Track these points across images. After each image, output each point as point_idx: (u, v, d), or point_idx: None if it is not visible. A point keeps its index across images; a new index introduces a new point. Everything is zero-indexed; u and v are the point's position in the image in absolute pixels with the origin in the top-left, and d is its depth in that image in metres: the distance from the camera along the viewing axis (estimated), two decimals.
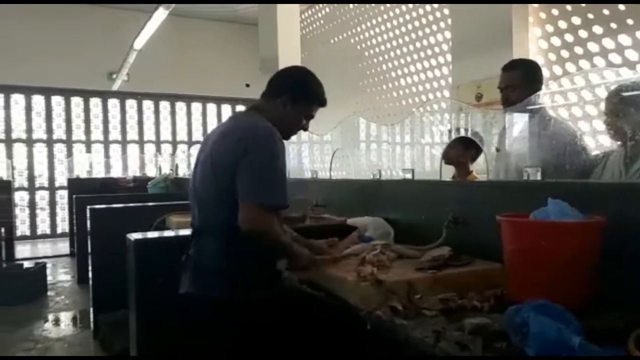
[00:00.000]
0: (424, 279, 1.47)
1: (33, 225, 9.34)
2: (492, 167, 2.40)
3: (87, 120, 9.74)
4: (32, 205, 9.32)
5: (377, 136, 4.61)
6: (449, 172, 3.04)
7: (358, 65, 7.51)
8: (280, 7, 6.59)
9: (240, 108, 11.16)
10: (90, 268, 3.94)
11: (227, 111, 11.16)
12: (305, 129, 1.88)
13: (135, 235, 1.99)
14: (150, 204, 4.44)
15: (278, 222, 1.68)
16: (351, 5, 7.71)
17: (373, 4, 7.19)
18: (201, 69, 10.08)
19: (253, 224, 1.56)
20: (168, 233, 2.29)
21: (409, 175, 2.21)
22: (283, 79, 1.85)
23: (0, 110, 8.98)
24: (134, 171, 9.68)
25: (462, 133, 3.03)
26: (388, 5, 6.88)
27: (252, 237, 1.56)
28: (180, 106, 10.68)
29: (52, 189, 9.52)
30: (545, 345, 0.87)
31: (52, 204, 9.53)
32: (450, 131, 3.38)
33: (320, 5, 8.53)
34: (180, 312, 1.67)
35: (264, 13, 6.91)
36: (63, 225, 9.48)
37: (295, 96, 1.78)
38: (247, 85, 10.66)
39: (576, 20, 4.24)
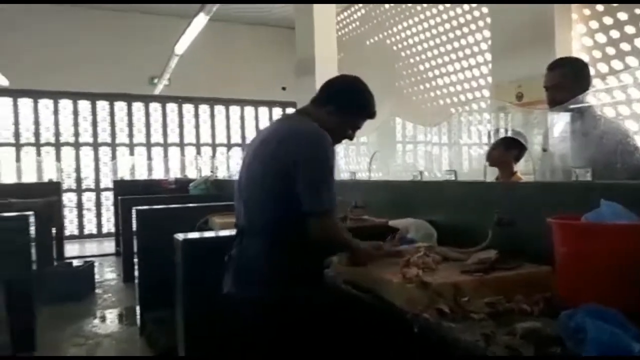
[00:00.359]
0: (470, 281, 1.46)
1: (80, 225, 9.71)
2: (537, 167, 2.35)
3: (130, 124, 10.07)
4: (79, 206, 9.69)
5: (415, 137, 4.58)
6: (493, 174, 3.00)
7: (394, 66, 7.48)
8: (317, 10, 6.64)
9: (277, 111, 11.31)
10: (136, 267, 4.07)
11: (264, 114, 11.31)
12: (351, 139, 1.88)
13: (182, 236, 2.05)
14: (193, 205, 4.55)
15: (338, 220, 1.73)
16: (387, 6, 7.68)
17: (410, 4, 7.14)
18: (239, 73, 10.26)
19: (325, 232, 1.61)
20: (213, 233, 2.34)
21: (450, 177, 2.19)
22: (331, 87, 1.84)
23: (49, 115, 9.39)
24: (174, 173, 9.94)
25: (503, 133, 2.98)
26: (425, 5, 6.82)
27: (321, 245, 1.62)
28: (219, 109, 10.89)
29: (97, 190, 9.88)
30: (603, 351, 0.86)
31: (98, 204, 9.89)
32: (490, 132, 3.33)
33: (357, 6, 8.53)
34: (224, 312, 1.70)
35: (301, 15, 6.97)
36: (108, 225, 9.83)
37: (342, 107, 1.78)
38: (284, 89, 10.80)
39: (622, 16, 4.10)
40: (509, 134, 2.82)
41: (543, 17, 4.16)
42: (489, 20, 5.27)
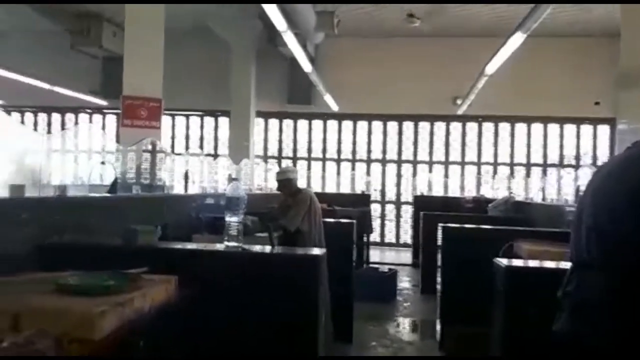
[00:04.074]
0: None
1: (382, 234, 10.69)
2: None
3: (431, 143, 10.60)
4: (382, 216, 10.70)
5: None
6: None
7: None
8: None
9: (587, 128, 10.14)
10: (439, 281, 4.23)
11: (570, 132, 10.29)
12: None
13: (505, 262, 2.04)
14: (496, 227, 4.49)
15: None
16: None
17: None
18: (544, 88, 9.63)
19: None
20: (537, 263, 2.25)
21: None
22: None
23: (364, 135, 10.70)
24: (469, 191, 9.98)
25: None
26: None
27: None
28: (520, 127, 10.42)
29: (398, 203, 10.72)
30: None
31: (398, 216, 10.72)
32: None
33: None
34: (550, 349, 1.61)
35: (628, 21, 6.07)
36: (405, 237, 10.54)
37: None
38: (597, 104, 9.61)
39: None
40: None
41: None
42: None
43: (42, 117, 11.53)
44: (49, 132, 11.06)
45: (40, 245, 2.01)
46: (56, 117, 11.52)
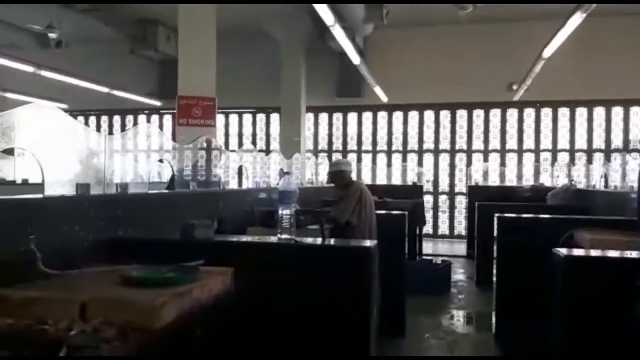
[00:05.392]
0: None
1: (435, 226, 10.52)
2: None
3: (486, 131, 10.29)
4: (435, 208, 10.52)
5: None
6: None
7: None
8: None
9: None
10: (494, 272, 4.13)
11: (636, 114, 9.69)
12: None
13: (564, 251, 1.96)
14: (554, 216, 4.32)
15: None
16: None
17: None
18: (606, 70, 9.15)
19: None
20: (600, 252, 2.15)
21: None
22: None
23: (415, 125, 10.54)
24: (527, 180, 9.62)
25: None
26: None
27: None
28: (581, 112, 9.93)
29: (452, 193, 10.50)
30: None
31: (452, 207, 10.50)
32: None
33: None
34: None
35: None
36: (459, 228, 10.31)
37: None
38: None
39: None
40: None
41: None
42: None
43: (104, 119, 12.14)
44: (110, 133, 11.62)
45: (104, 240, 2.13)
46: (117, 119, 12.09)
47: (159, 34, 9.27)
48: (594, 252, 2.24)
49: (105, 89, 9.59)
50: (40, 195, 2.04)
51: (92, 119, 12.12)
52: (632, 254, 1.81)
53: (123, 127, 11.94)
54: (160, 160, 6.82)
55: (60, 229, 1.94)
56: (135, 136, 10.71)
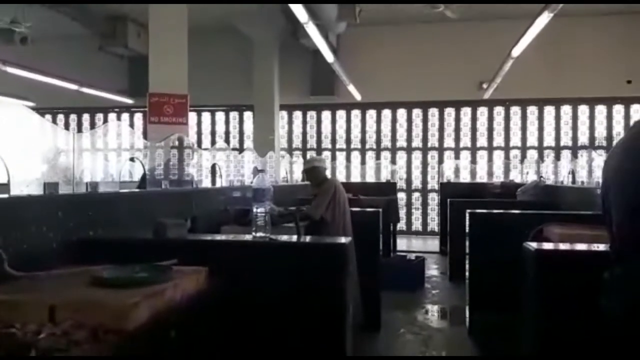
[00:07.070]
0: None
1: (409, 222, 10.63)
2: None
3: (457, 129, 10.46)
4: (408, 204, 10.63)
5: None
6: None
7: None
8: None
9: (619, 108, 9.86)
10: (467, 267, 4.19)
11: (601, 112, 10.00)
12: None
13: (535, 245, 2.00)
14: (525, 212, 4.42)
15: None
16: None
17: None
18: (573, 69, 9.43)
19: None
20: (568, 246, 2.21)
21: None
22: None
23: (388, 123, 10.63)
24: (497, 177, 9.81)
25: None
26: None
27: None
28: (549, 110, 10.18)
29: (424, 191, 10.64)
30: None
31: (424, 204, 10.63)
32: None
33: None
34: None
35: None
36: (432, 225, 10.46)
37: None
38: (629, 82, 9.35)
39: None
40: None
41: None
42: None
43: (73, 117, 11.85)
44: (79, 131, 11.35)
45: (74, 240, 2.08)
46: (86, 117, 11.82)
47: (129, 30, 9.10)
48: (563, 246, 2.30)
49: (74, 87, 9.34)
50: (5, 195, 1.98)
51: (61, 117, 11.81)
52: (599, 247, 1.86)
53: (93, 126, 11.68)
54: (132, 159, 6.69)
55: (28, 229, 1.88)
56: (105, 134, 10.49)
